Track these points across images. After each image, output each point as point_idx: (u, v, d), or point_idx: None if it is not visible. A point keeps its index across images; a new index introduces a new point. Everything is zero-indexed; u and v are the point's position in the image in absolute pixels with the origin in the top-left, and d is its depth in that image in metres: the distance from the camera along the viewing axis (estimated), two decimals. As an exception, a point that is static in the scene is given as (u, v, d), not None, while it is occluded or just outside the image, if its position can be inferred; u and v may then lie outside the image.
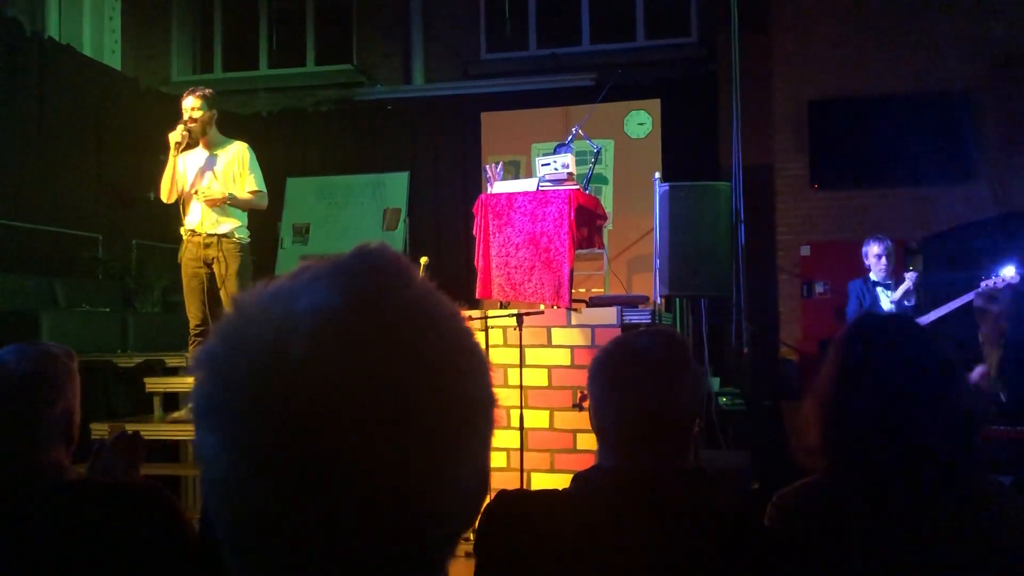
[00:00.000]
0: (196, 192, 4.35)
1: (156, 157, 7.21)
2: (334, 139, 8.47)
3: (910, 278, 4.62)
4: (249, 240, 4.56)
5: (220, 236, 4.39)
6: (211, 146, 4.49)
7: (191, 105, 4.41)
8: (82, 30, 7.75)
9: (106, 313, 6.14)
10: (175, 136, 4.34)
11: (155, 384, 4.95)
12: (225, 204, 4.37)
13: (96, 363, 5.08)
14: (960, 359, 1.41)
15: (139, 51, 9.00)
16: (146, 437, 4.79)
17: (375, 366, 0.50)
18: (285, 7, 9.21)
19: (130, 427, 4.44)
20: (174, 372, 5.08)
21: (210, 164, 4.44)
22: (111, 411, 5.04)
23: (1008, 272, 4.39)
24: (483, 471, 0.57)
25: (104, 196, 7.14)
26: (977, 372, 4.14)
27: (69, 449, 1.56)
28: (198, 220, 4.40)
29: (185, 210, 4.46)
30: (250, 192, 4.48)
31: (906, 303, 4.60)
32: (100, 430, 4.49)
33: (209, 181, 4.40)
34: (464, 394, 0.54)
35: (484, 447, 0.57)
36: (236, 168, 4.48)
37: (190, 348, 4.35)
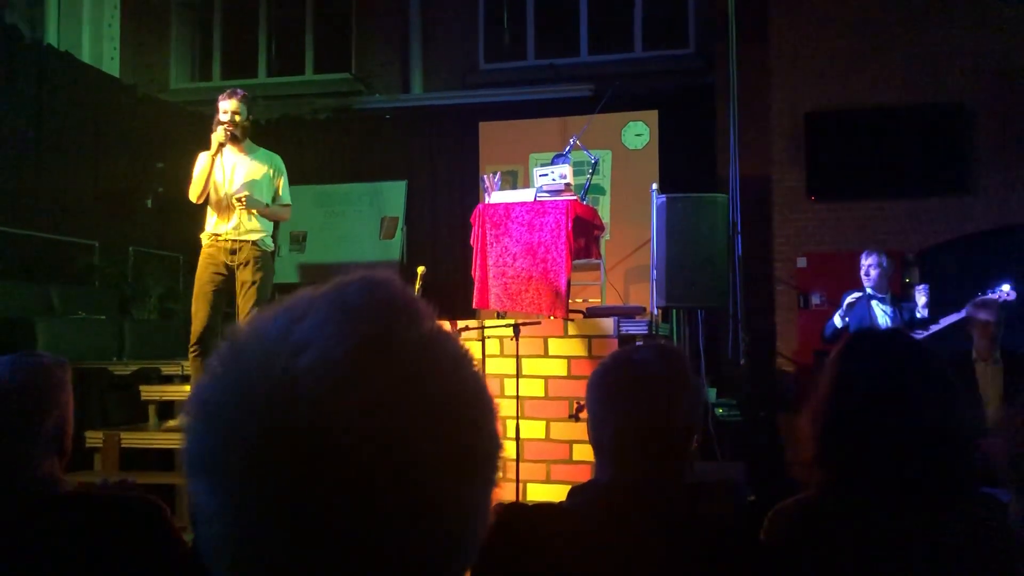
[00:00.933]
0: (240, 200, 4.26)
1: (154, 164, 7.25)
2: (332, 147, 8.47)
3: (923, 291, 4.61)
4: (272, 250, 4.55)
5: (250, 243, 4.35)
6: (245, 151, 4.44)
7: (232, 108, 4.34)
8: (81, 37, 7.76)
9: (102, 320, 6.11)
10: (219, 137, 4.28)
11: (150, 392, 4.94)
12: (263, 212, 4.36)
13: (91, 371, 5.06)
14: (955, 374, 1.41)
15: (138, 58, 9.01)
16: (141, 446, 4.76)
17: (384, 426, 0.50)
18: (284, 15, 9.24)
19: (125, 435, 4.45)
20: (169, 380, 5.06)
21: (248, 170, 4.39)
22: (106, 419, 5.01)
23: (1003, 289, 4.41)
24: (486, 513, 0.57)
25: (101, 203, 7.12)
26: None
27: (62, 461, 1.55)
28: (229, 225, 4.33)
29: (219, 215, 4.36)
30: (282, 205, 4.52)
31: (918, 315, 4.61)
32: (95, 438, 4.48)
33: (249, 187, 4.34)
34: (470, 446, 0.55)
35: (487, 492, 0.57)
36: (274, 179, 4.48)
37: (189, 358, 4.32)
